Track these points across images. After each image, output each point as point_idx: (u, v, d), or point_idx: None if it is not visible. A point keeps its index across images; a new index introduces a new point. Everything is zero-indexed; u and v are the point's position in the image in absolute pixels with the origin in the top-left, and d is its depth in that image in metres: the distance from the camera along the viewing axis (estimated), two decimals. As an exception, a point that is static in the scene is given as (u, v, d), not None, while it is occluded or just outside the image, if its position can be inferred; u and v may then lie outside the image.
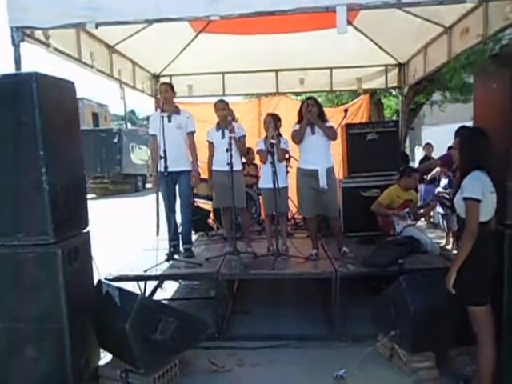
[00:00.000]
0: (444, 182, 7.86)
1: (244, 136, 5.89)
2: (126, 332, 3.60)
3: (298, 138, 5.56)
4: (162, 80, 8.19)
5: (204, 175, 8.00)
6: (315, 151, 5.51)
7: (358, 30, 7.13)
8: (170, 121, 5.62)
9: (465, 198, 3.32)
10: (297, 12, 3.96)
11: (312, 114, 5.45)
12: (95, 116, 36.96)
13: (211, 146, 5.92)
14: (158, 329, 3.81)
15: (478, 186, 3.30)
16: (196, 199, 7.75)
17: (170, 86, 5.92)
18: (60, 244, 3.68)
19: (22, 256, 3.64)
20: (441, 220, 8.50)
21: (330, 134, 5.53)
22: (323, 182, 5.43)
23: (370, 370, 4.07)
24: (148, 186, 26.64)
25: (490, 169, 3.38)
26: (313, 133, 5.52)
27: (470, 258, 3.29)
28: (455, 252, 5.40)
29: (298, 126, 5.61)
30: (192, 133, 5.84)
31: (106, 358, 4.33)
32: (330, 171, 5.52)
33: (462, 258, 3.31)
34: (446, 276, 3.38)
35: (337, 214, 5.73)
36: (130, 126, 44.56)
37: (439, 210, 8.04)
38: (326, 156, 5.56)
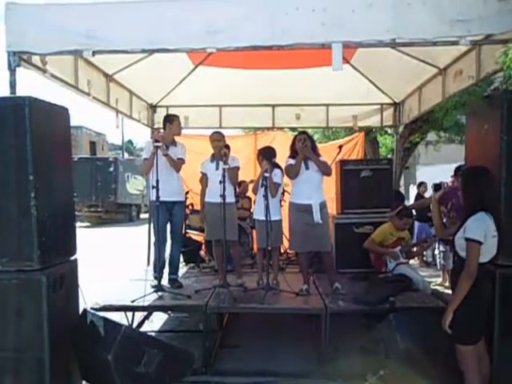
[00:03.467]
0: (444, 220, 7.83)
1: (237, 168, 5.88)
2: (109, 363, 3.53)
3: (292, 173, 5.55)
4: (159, 110, 8.24)
5: (197, 207, 8.01)
6: (309, 186, 5.50)
7: (354, 68, 7.22)
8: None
9: (467, 239, 3.33)
10: (293, 47, 4.01)
11: (307, 148, 5.46)
12: (93, 144, 37.18)
13: (205, 177, 5.90)
14: (142, 361, 3.72)
15: (482, 228, 3.32)
16: (188, 230, 7.72)
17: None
18: (45, 271, 3.63)
19: (4, 282, 3.58)
20: (439, 257, 8.45)
21: (324, 169, 5.54)
22: (317, 217, 5.40)
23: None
24: (142, 216, 26.59)
25: (495, 209, 3.40)
26: (307, 168, 5.51)
27: (465, 297, 3.29)
28: (447, 291, 5.37)
29: (292, 161, 5.60)
30: (180, 159, 5.78)
31: (87, 390, 4.23)
32: (322, 205, 5.51)
33: (459, 299, 3.31)
34: (443, 316, 3.37)
35: (329, 249, 5.67)
36: (127, 155, 44.77)
37: (440, 247, 8.01)
38: (319, 190, 5.56)
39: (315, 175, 5.52)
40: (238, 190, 6.33)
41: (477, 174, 3.55)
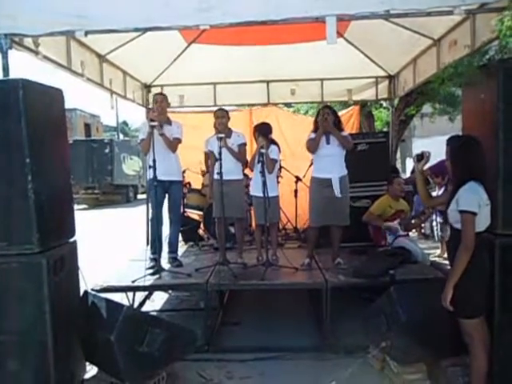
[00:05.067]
0: (439, 192, 7.83)
1: (244, 144, 5.88)
2: (112, 344, 3.53)
3: (313, 147, 5.55)
4: (154, 90, 8.18)
5: (195, 185, 8.01)
6: (330, 160, 5.50)
7: (348, 41, 7.15)
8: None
9: (461, 211, 3.29)
10: (287, 22, 3.95)
11: (328, 122, 5.44)
12: (87, 127, 36.88)
13: (211, 155, 5.86)
14: (144, 341, 3.72)
15: (475, 198, 3.27)
16: (186, 209, 7.72)
17: (165, 96, 5.91)
18: (45, 254, 3.61)
19: (5, 266, 3.57)
20: (436, 229, 8.47)
21: (345, 144, 5.52)
22: (337, 190, 5.42)
23: (362, 382, 4.03)
24: (139, 196, 26.56)
25: (484, 178, 3.36)
26: (327, 142, 5.51)
27: (465, 269, 3.24)
28: (446, 262, 5.39)
29: (313, 135, 5.59)
30: (176, 139, 5.75)
31: (91, 371, 4.26)
32: (343, 179, 5.52)
33: (458, 273, 3.26)
34: (443, 292, 3.33)
35: (347, 223, 5.63)
36: (122, 136, 44.56)
37: (438, 218, 8.02)
38: (340, 165, 5.55)
39: (336, 149, 5.51)
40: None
41: (464, 144, 3.50)
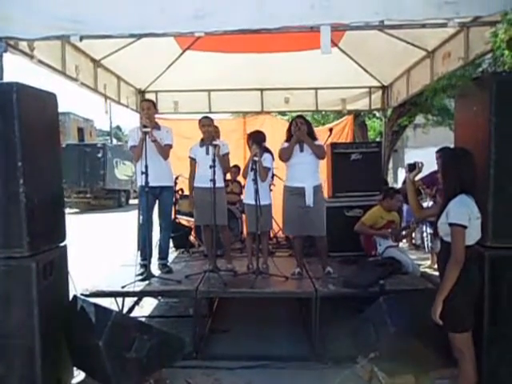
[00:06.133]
0: (430, 203, 7.85)
1: (228, 153, 5.86)
2: (100, 349, 3.52)
3: (285, 155, 5.55)
4: (148, 96, 8.19)
5: (187, 192, 7.99)
6: (303, 168, 5.50)
7: (342, 51, 7.20)
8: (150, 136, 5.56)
9: (451, 224, 3.27)
10: (282, 31, 3.98)
11: (301, 131, 5.44)
12: (81, 131, 36.85)
13: (193, 162, 5.86)
14: (133, 347, 3.71)
15: (465, 211, 3.26)
16: (178, 215, 7.71)
17: (153, 103, 5.90)
18: (35, 257, 3.61)
19: (-6, 268, 3.55)
20: (427, 239, 8.49)
21: (319, 153, 5.53)
22: (310, 200, 5.40)
23: (349, 393, 4.03)
24: (131, 201, 26.50)
25: (475, 191, 3.36)
26: (301, 150, 5.51)
27: (454, 284, 3.22)
28: (436, 273, 5.40)
29: (286, 144, 5.59)
30: (168, 145, 5.75)
31: (79, 376, 4.23)
32: (317, 189, 5.51)
33: (448, 287, 3.23)
34: (433, 306, 3.30)
35: (323, 234, 5.63)
36: (115, 141, 44.44)
37: (428, 229, 8.04)
38: (313, 174, 5.54)
39: (309, 158, 5.50)
40: (231, 174, 6.26)
41: (456, 156, 3.50)
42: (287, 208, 5.62)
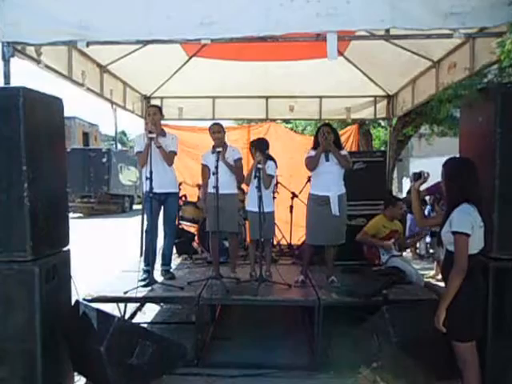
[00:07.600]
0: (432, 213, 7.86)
1: (240, 159, 5.88)
2: (101, 355, 3.51)
3: (312, 165, 5.55)
4: (153, 102, 8.20)
5: (191, 198, 8.00)
6: (328, 178, 5.50)
7: (348, 60, 7.20)
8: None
9: (454, 232, 3.27)
10: (288, 38, 4.00)
11: (327, 141, 5.45)
12: (86, 135, 36.91)
13: (206, 169, 5.84)
14: (134, 353, 3.70)
15: (468, 220, 3.26)
16: (181, 222, 7.71)
17: (159, 108, 5.92)
18: (38, 262, 3.61)
19: (-3, 272, 3.55)
20: (430, 249, 8.47)
21: (344, 163, 5.52)
22: (335, 209, 5.40)
23: (351, 403, 4.00)
24: (135, 207, 26.52)
25: (479, 201, 3.36)
26: (327, 160, 5.51)
27: (458, 292, 3.22)
28: (440, 283, 5.38)
29: (312, 152, 5.58)
30: (172, 152, 5.77)
31: (79, 381, 4.23)
32: (341, 198, 5.51)
33: (451, 295, 3.23)
34: (435, 314, 3.31)
35: (343, 241, 5.60)
36: (120, 146, 44.52)
37: (428, 238, 8.02)
38: (338, 183, 5.54)
39: (335, 168, 5.51)
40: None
41: (459, 166, 3.51)
42: (312, 217, 5.60)
